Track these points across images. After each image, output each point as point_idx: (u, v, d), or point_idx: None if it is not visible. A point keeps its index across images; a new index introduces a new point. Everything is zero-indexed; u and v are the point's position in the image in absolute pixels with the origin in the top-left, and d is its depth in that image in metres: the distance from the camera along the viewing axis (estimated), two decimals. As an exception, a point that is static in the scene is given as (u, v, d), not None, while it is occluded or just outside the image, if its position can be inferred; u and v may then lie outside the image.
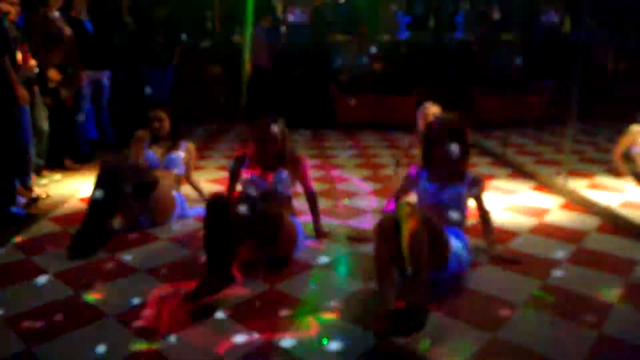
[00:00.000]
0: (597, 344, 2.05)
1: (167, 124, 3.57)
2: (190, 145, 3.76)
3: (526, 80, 7.72)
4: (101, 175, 3.06)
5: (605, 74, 7.76)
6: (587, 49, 6.95)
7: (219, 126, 7.68)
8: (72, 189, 4.22)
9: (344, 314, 2.28)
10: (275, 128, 2.86)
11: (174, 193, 3.49)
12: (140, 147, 3.63)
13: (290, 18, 8.00)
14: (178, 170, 3.61)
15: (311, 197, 3.14)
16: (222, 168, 5.06)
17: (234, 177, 3.05)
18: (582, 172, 4.82)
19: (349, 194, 4.16)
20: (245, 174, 2.94)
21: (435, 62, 7.56)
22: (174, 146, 3.62)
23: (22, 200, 3.71)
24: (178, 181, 3.64)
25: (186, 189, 3.93)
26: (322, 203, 3.74)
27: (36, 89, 4.07)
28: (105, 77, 5.57)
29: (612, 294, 2.46)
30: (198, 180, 4.01)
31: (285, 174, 2.90)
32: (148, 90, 6.51)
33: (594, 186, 4.41)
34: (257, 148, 2.91)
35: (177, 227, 3.37)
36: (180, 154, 3.62)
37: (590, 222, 3.49)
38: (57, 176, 4.53)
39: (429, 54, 7.74)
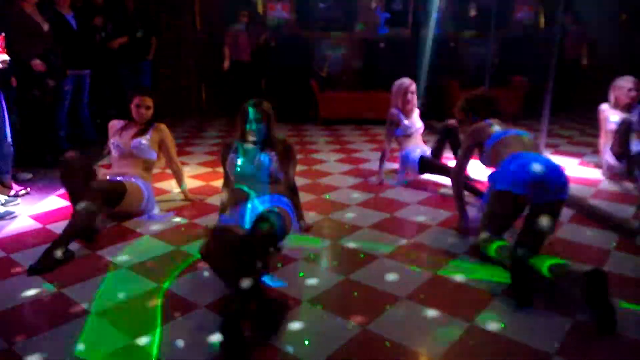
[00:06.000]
0: (571, 331, 2.12)
1: (151, 112, 3.53)
2: (160, 125, 3.62)
3: (502, 75, 7.86)
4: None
5: (579, 68, 7.94)
6: (560, 44, 7.10)
7: (199, 122, 7.65)
8: (50, 185, 4.18)
9: (326, 305, 2.32)
10: (260, 109, 2.83)
11: (139, 183, 3.41)
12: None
13: (271, 13, 7.99)
14: (148, 156, 3.53)
15: (293, 190, 3.16)
16: (203, 164, 5.06)
17: (225, 165, 2.95)
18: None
19: (331, 189, 4.21)
20: (233, 159, 2.84)
21: (414, 57, 7.64)
22: (140, 132, 3.52)
23: (1, 197, 3.66)
24: (148, 168, 3.57)
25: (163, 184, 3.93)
26: (305, 197, 3.78)
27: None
28: (86, 75, 5.53)
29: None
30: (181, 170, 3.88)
31: (273, 156, 2.82)
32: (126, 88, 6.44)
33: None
34: (243, 130, 2.85)
35: (158, 222, 3.37)
36: (146, 137, 3.51)
37: (563, 213, 3.59)
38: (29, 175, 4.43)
39: (408, 49, 7.82)
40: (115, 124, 3.62)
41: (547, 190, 2.58)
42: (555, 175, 2.60)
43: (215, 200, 3.83)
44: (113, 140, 3.54)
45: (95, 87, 5.85)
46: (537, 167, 2.57)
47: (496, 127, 2.90)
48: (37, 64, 4.49)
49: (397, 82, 4.42)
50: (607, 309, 2.10)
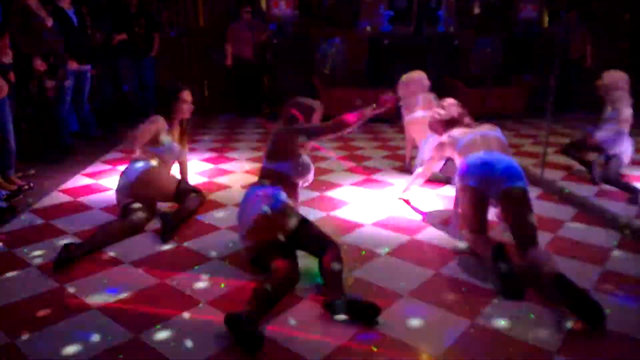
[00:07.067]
0: (574, 329, 2.13)
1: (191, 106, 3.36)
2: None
3: (507, 74, 7.84)
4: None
5: (582, 66, 7.91)
6: (564, 42, 7.09)
7: (201, 119, 7.64)
8: (53, 181, 4.19)
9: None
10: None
11: None
12: (155, 134, 3.27)
13: (274, 10, 7.97)
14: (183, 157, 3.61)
15: None
16: (206, 160, 5.06)
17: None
18: (559, 163, 4.95)
19: (333, 186, 4.20)
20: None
21: (417, 55, 7.63)
22: (185, 130, 3.40)
23: (3, 192, 3.67)
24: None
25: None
26: (307, 195, 3.78)
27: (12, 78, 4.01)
28: (87, 71, 5.53)
29: (587, 281, 2.54)
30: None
31: (308, 157, 2.80)
32: (127, 84, 6.45)
33: (570, 177, 4.53)
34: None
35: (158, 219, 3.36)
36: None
37: (566, 211, 3.60)
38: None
39: (411, 47, 7.80)
40: (160, 120, 3.30)
41: (495, 179, 2.69)
42: (502, 165, 2.73)
43: (219, 196, 3.84)
44: (168, 146, 3.32)
45: (96, 83, 5.86)
46: (484, 160, 2.79)
47: (457, 135, 3.07)
48: (38, 63, 4.49)
49: (417, 76, 4.43)
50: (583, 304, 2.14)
